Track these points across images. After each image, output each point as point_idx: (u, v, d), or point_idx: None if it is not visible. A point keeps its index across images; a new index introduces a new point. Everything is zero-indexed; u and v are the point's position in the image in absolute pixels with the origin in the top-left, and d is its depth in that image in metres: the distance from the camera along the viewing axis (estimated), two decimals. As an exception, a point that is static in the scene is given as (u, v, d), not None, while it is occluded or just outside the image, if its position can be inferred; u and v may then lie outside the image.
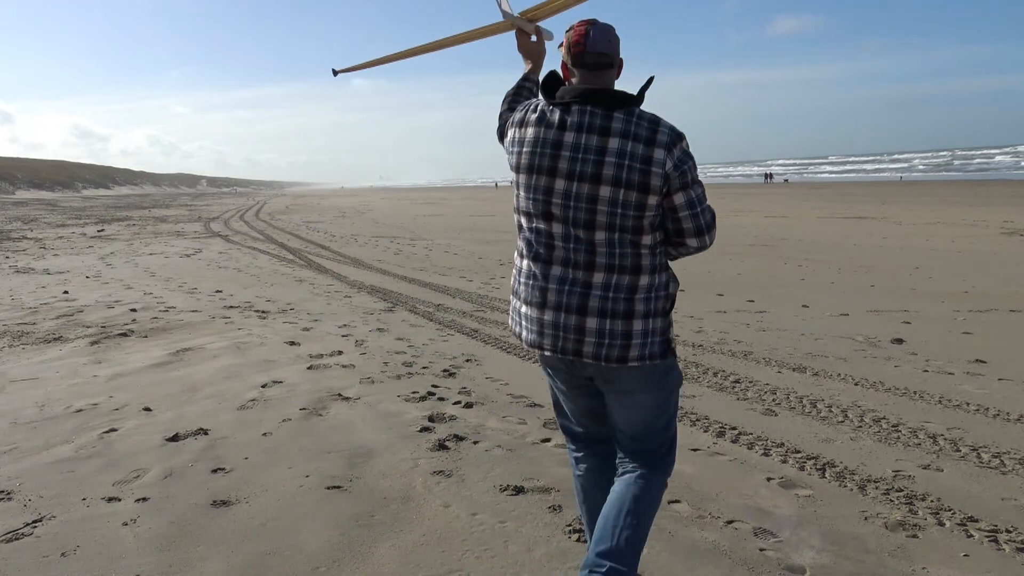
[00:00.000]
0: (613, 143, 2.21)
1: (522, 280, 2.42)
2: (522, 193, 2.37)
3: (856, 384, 5.36)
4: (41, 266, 13.81)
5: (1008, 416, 4.62)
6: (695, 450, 4.15)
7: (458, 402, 5.06)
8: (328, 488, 3.70)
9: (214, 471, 3.93)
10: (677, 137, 2.24)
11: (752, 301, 8.88)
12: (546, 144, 2.28)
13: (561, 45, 2.36)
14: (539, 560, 3.00)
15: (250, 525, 3.33)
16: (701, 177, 2.34)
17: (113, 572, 2.97)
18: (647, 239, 2.29)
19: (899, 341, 6.69)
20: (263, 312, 8.67)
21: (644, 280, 2.29)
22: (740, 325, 7.53)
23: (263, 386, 5.49)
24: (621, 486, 2.45)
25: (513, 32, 2.92)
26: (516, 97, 2.71)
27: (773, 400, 4.99)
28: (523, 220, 2.42)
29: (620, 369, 2.31)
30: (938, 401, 4.94)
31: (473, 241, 18.11)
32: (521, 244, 2.44)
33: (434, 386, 5.43)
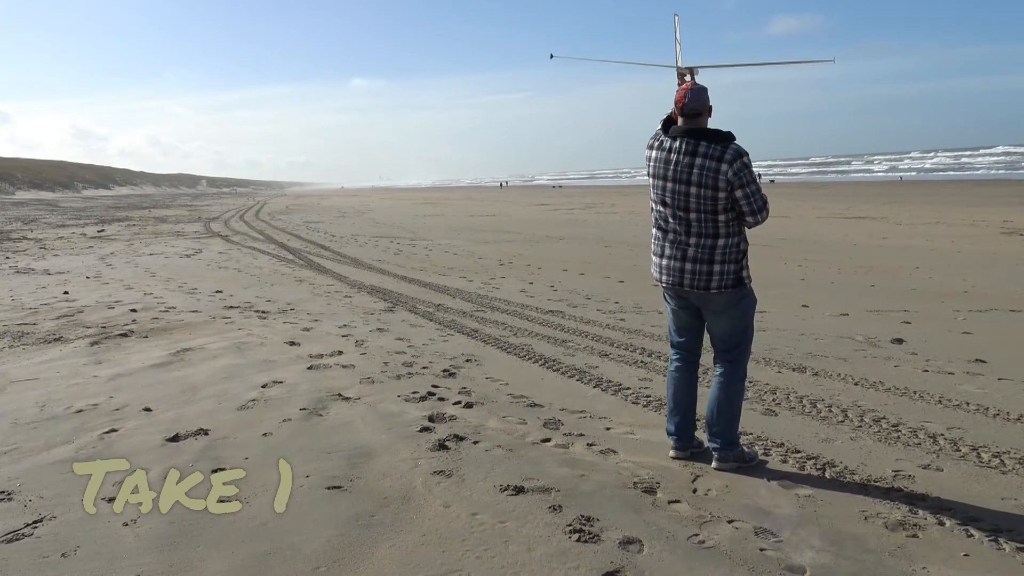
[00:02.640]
0: (698, 161, 3.65)
1: (655, 243, 3.93)
2: (652, 189, 3.87)
3: (856, 384, 5.36)
4: (41, 266, 13.81)
5: (1008, 416, 4.62)
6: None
7: (458, 402, 5.06)
8: (328, 488, 3.70)
9: (214, 471, 3.93)
10: (736, 156, 3.61)
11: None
12: (662, 162, 3.77)
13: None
14: (539, 560, 3.00)
15: (250, 525, 3.33)
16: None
17: (113, 572, 2.97)
18: (721, 217, 3.70)
19: (899, 341, 6.69)
20: (263, 312, 8.67)
21: (720, 242, 3.72)
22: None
23: (263, 386, 5.50)
24: (716, 383, 3.91)
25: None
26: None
27: (773, 400, 4.99)
28: (653, 206, 3.89)
29: (707, 294, 3.78)
30: (938, 401, 4.94)
31: (473, 241, 18.11)
32: (655, 221, 3.90)
33: (434, 386, 5.44)
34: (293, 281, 11.50)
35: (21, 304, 9.39)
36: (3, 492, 3.70)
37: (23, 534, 3.27)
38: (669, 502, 3.51)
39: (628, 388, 5.32)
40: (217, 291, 10.42)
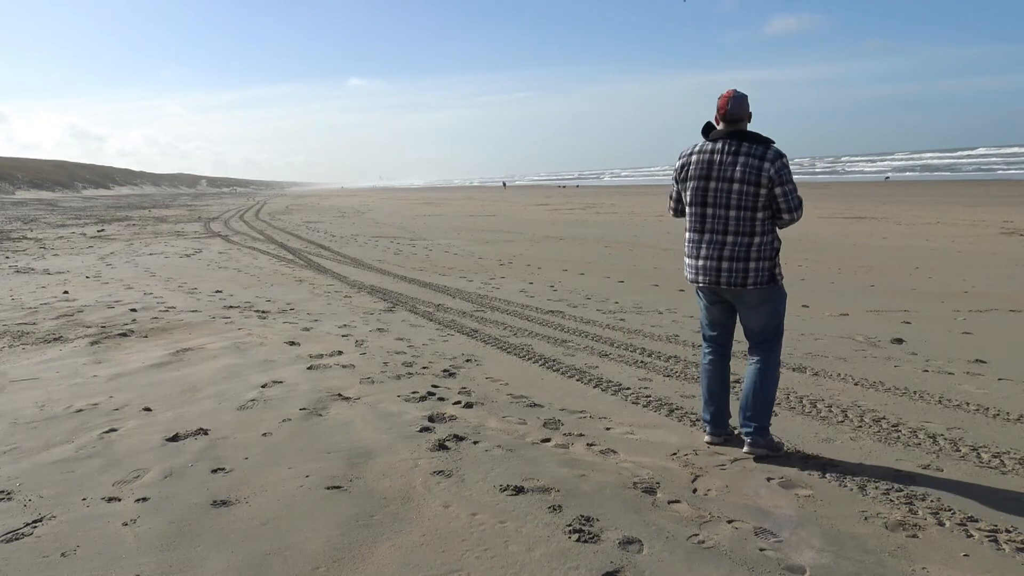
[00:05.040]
0: (741, 160, 3.87)
1: (688, 244, 4.11)
2: (688, 193, 4.04)
3: (856, 384, 5.36)
4: (41, 266, 13.80)
5: (1008, 416, 4.62)
6: (695, 451, 4.16)
7: (458, 402, 5.06)
8: (328, 488, 3.70)
9: (214, 471, 3.93)
10: (777, 156, 3.85)
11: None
12: (704, 163, 3.97)
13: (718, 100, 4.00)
14: (539, 560, 3.00)
15: (250, 525, 3.33)
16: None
17: (113, 572, 2.97)
18: (759, 215, 3.90)
19: (899, 341, 6.69)
20: (263, 312, 8.67)
21: (756, 240, 3.92)
22: (740, 325, 7.52)
23: (263, 386, 5.50)
24: (751, 372, 4.12)
25: None
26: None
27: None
28: (689, 209, 4.06)
29: (743, 290, 3.97)
30: (938, 401, 4.94)
31: (473, 241, 18.11)
32: (688, 224, 4.08)
33: (434, 386, 5.43)
34: (293, 281, 11.50)
35: (21, 304, 9.39)
36: (3, 492, 3.70)
37: (23, 534, 3.27)
38: (669, 502, 3.51)
39: (628, 388, 5.32)
40: (217, 291, 10.42)
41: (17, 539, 3.23)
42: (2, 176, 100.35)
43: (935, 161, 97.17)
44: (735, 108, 3.92)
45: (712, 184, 3.92)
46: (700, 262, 4.02)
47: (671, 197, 4.30)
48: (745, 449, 4.06)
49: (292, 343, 6.94)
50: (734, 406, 4.39)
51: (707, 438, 4.27)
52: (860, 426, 4.48)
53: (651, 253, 14.61)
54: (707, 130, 4.06)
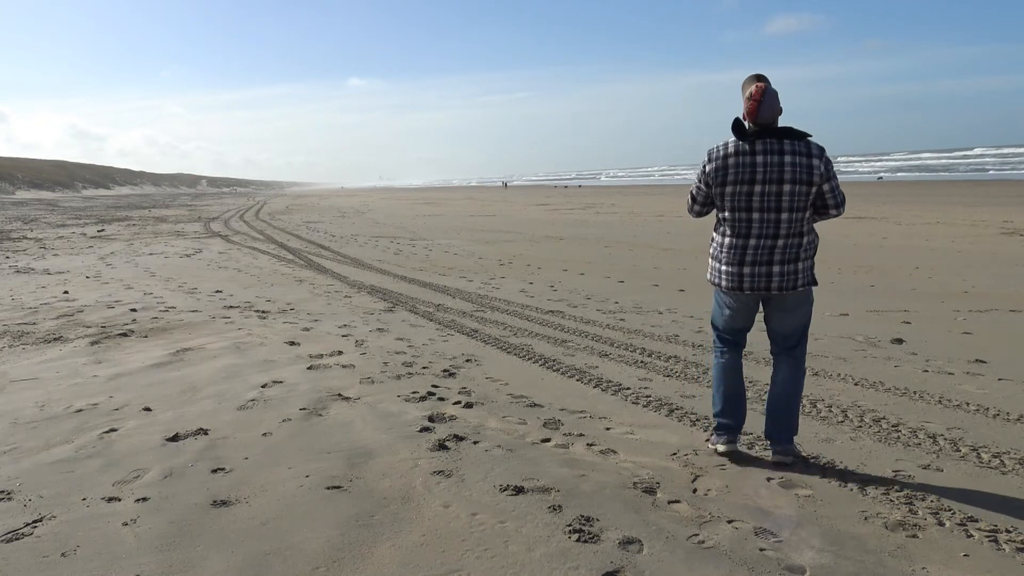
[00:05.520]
0: (788, 159, 3.65)
1: (725, 250, 3.85)
2: (728, 198, 3.78)
3: (856, 384, 5.36)
4: (41, 266, 13.80)
5: (1008, 416, 4.62)
6: (695, 451, 4.16)
7: (458, 402, 5.06)
8: (328, 488, 3.70)
9: (214, 471, 3.93)
10: (821, 151, 3.69)
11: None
12: (746, 166, 3.70)
13: (744, 105, 3.71)
14: (539, 560, 3.00)
15: (250, 525, 3.33)
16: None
17: (113, 572, 2.97)
18: (807, 214, 3.76)
19: (899, 341, 6.69)
20: (263, 312, 8.67)
21: (804, 240, 3.77)
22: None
23: (263, 386, 5.50)
24: (784, 375, 3.94)
25: None
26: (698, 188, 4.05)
27: (773, 400, 4.98)
28: (727, 214, 3.82)
29: (791, 293, 3.80)
30: (938, 401, 4.94)
31: (473, 241, 18.11)
32: (725, 228, 3.85)
33: (434, 386, 5.43)
34: (293, 281, 11.50)
35: (21, 304, 9.39)
36: (3, 492, 3.70)
37: (23, 534, 3.27)
38: (669, 502, 3.51)
39: (628, 388, 5.32)
40: (217, 291, 10.42)
41: (17, 539, 3.22)
42: (2, 176, 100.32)
43: (931, 161, 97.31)
44: (767, 111, 3.65)
45: (758, 188, 3.67)
46: (747, 268, 3.77)
47: (694, 198, 4.03)
48: (774, 458, 3.91)
49: (292, 343, 6.94)
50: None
51: (722, 447, 4.02)
52: (860, 426, 4.48)
53: (651, 253, 14.61)
54: (738, 128, 3.74)
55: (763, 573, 2.89)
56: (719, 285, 3.93)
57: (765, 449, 4.13)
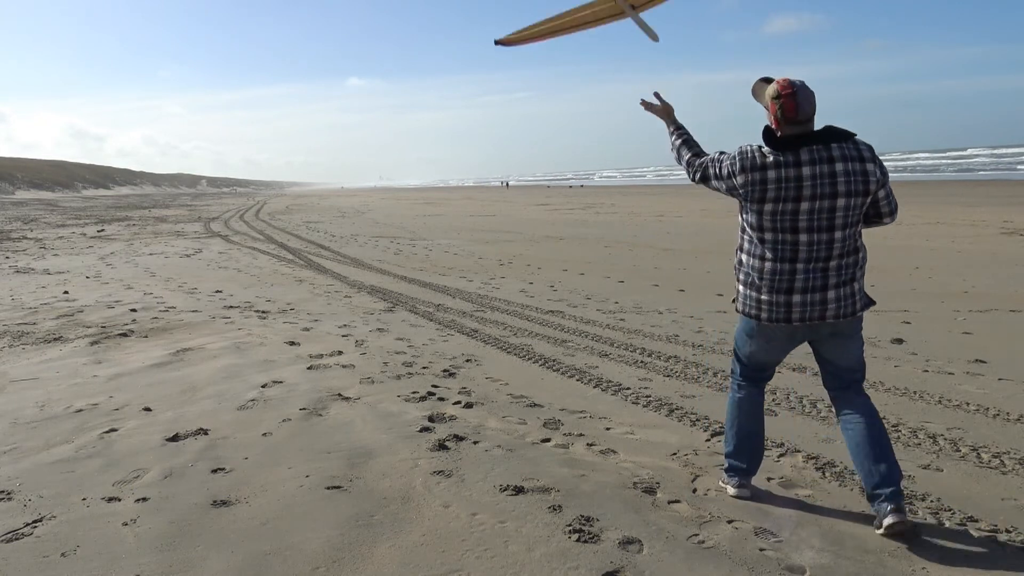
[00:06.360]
0: (839, 167, 3.07)
1: (765, 277, 3.22)
2: (767, 217, 3.16)
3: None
4: (41, 266, 13.80)
5: (1008, 416, 4.62)
6: (695, 451, 4.16)
7: (458, 402, 5.06)
8: (328, 488, 3.70)
9: (214, 471, 3.93)
10: (872, 151, 3.15)
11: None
12: (791, 180, 3.08)
13: (771, 106, 3.15)
14: (539, 560, 3.00)
15: (250, 525, 3.33)
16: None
17: (113, 572, 2.97)
18: (860, 227, 3.22)
19: (899, 341, 6.69)
20: (263, 312, 8.67)
21: (859, 256, 3.23)
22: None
23: (263, 386, 5.50)
24: (862, 420, 3.29)
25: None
26: (693, 145, 3.58)
27: (773, 400, 4.98)
28: (767, 235, 3.19)
29: (849, 320, 3.24)
30: (938, 401, 4.94)
31: (473, 241, 18.11)
32: (763, 249, 3.22)
33: (434, 386, 5.43)
34: (293, 281, 11.50)
35: (21, 304, 9.39)
36: (3, 492, 3.70)
37: (23, 533, 3.27)
38: (669, 502, 3.51)
39: (628, 388, 5.32)
40: (217, 291, 10.42)
41: (17, 539, 3.23)
42: (2, 176, 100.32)
43: (926, 161, 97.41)
44: (807, 105, 3.09)
45: (806, 205, 3.08)
46: (796, 297, 3.16)
47: (703, 175, 3.41)
48: (892, 520, 3.06)
49: (292, 343, 6.94)
50: None
51: (733, 490, 3.54)
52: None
53: (651, 253, 14.61)
54: (771, 138, 3.18)
55: (763, 573, 2.89)
56: (757, 317, 3.29)
57: (765, 451, 4.12)
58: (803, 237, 3.13)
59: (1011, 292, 9.21)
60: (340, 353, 6.52)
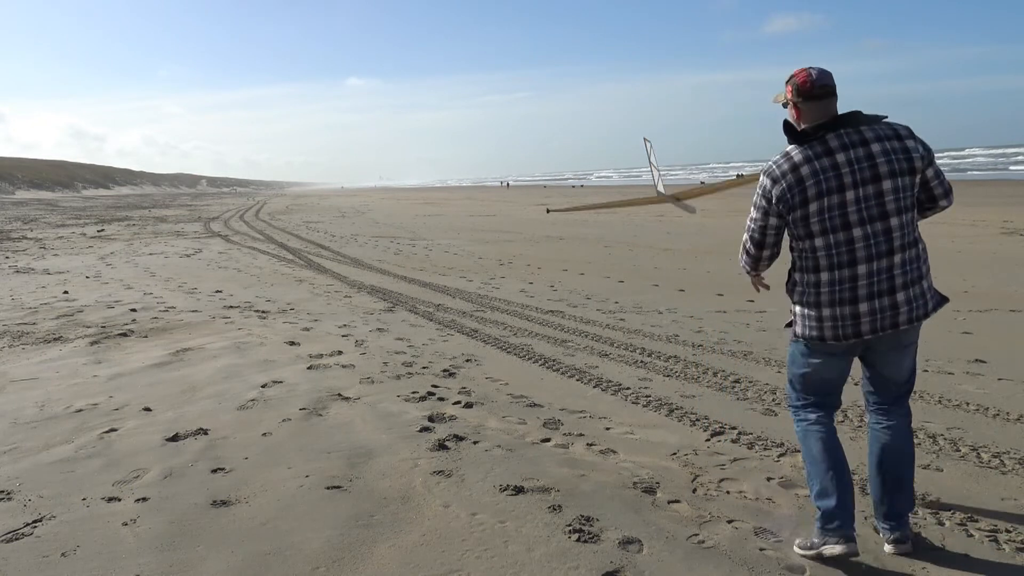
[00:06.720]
0: (875, 147, 2.83)
1: (824, 288, 2.91)
2: (814, 219, 2.87)
3: (856, 384, 5.32)
4: (41, 266, 13.81)
5: (1008, 416, 4.62)
6: (695, 451, 4.16)
7: (458, 402, 5.06)
8: (328, 488, 3.70)
9: (214, 471, 3.93)
10: (909, 129, 2.90)
11: (752, 301, 8.86)
12: (828, 170, 2.84)
13: (787, 92, 2.98)
14: (539, 560, 3.00)
15: (250, 525, 3.33)
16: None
17: (113, 572, 2.97)
18: (915, 214, 2.92)
19: (899, 341, 6.69)
20: (263, 312, 8.67)
21: (920, 247, 2.92)
22: (740, 325, 7.53)
23: (263, 386, 5.49)
24: (896, 436, 3.06)
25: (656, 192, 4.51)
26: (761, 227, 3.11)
27: (773, 400, 4.98)
28: (818, 241, 2.90)
29: (918, 324, 2.93)
30: (938, 401, 4.93)
31: (473, 241, 18.11)
32: (818, 261, 2.92)
33: (434, 386, 5.43)
34: (293, 281, 11.50)
35: (21, 304, 9.39)
36: (3, 492, 3.70)
37: (23, 533, 3.27)
38: (669, 502, 3.50)
39: (628, 388, 5.32)
40: (217, 291, 10.42)
41: (17, 539, 3.23)
42: (2, 176, 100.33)
43: (953, 161, 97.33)
44: (823, 77, 2.88)
45: (850, 194, 2.82)
46: (863, 306, 2.85)
47: (758, 244, 3.11)
48: (893, 548, 2.98)
49: (292, 343, 6.94)
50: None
51: (841, 548, 2.87)
52: (860, 426, 4.48)
53: (651, 253, 14.60)
54: (792, 130, 2.97)
55: (763, 573, 2.89)
56: (820, 338, 2.96)
57: (764, 452, 4.12)
58: (856, 232, 2.83)
59: (1011, 292, 9.21)
60: (340, 353, 6.52)
